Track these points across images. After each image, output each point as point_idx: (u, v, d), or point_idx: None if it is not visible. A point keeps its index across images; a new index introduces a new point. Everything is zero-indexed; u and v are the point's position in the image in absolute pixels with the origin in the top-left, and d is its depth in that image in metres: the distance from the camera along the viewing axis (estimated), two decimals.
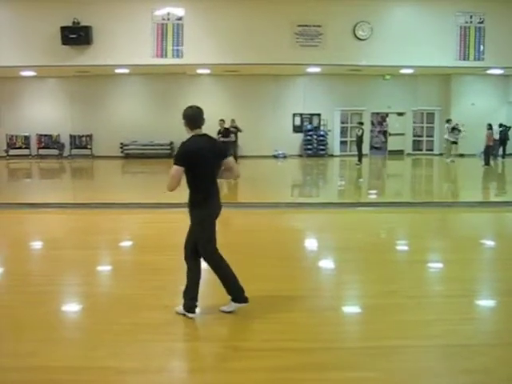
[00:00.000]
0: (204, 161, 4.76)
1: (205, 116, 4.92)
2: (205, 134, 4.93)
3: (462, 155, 22.84)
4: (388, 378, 3.86)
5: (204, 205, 4.84)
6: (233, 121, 19.71)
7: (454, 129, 21.79)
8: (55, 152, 24.15)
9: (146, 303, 5.31)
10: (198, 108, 4.94)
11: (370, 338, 4.58)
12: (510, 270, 6.76)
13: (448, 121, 22.38)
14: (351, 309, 5.50)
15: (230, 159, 5.08)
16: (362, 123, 22.01)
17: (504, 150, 23.49)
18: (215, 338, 4.53)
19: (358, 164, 20.80)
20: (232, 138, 18.85)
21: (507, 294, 5.75)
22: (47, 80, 23.80)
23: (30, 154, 24.06)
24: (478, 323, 5.06)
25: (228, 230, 9.50)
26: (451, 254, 7.69)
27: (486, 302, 5.69)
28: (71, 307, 5.53)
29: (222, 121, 18.69)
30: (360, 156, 21.01)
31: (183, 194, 4.97)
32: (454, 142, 21.95)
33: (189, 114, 4.89)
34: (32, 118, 23.84)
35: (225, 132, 18.46)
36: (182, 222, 9.91)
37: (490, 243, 8.72)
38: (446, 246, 8.28)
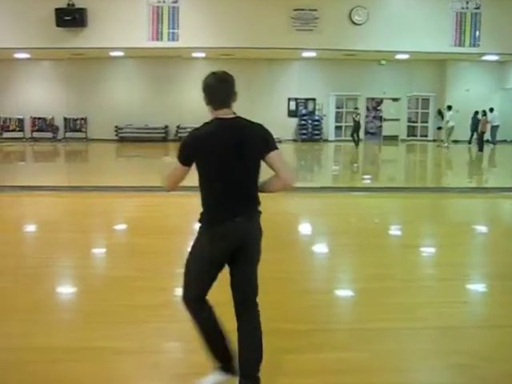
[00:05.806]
0: (212, 154, 3.11)
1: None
2: (235, 118, 3.30)
3: (456, 141, 22.87)
4: (380, 359, 3.93)
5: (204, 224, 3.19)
6: None
7: (439, 113, 21.91)
8: (49, 135, 24.05)
9: (141, 285, 5.36)
10: (223, 75, 3.18)
11: (362, 321, 4.65)
12: (501, 254, 6.87)
13: (449, 107, 22.26)
14: (343, 292, 5.58)
15: (275, 154, 3.27)
16: (357, 108, 22.22)
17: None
18: None
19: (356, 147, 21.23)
20: None
21: (497, 277, 5.84)
22: (42, 62, 23.65)
23: (23, 137, 23.97)
24: (467, 306, 5.15)
25: None
26: (443, 238, 7.78)
27: (475, 286, 5.78)
28: (66, 289, 5.59)
29: None
30: (358, 141, 21.25)
31: None
32: (440, 128, 22.08)
33: (206, 85, 3.17)
34: (26, 101, 23.72)
35: None
36: (176, 205, 9.99)
37: (481, 228, 8.82)
38: (439, 230, 8.37)
